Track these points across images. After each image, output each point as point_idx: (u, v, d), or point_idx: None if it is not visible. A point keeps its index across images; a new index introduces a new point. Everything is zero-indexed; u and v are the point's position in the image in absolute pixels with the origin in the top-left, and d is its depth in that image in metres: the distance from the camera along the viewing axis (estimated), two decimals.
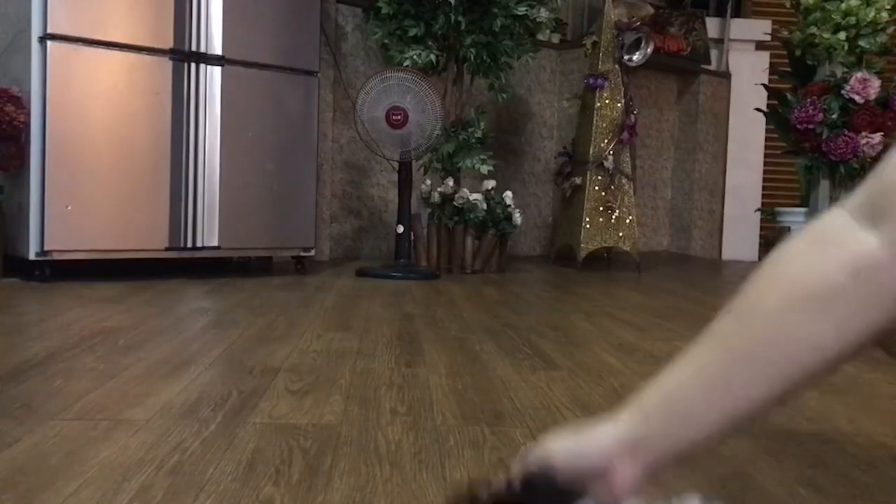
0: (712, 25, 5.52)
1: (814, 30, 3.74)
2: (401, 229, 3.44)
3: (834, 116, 3.70)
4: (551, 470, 0.48)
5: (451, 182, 3.67)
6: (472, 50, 3.63)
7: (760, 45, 5.55)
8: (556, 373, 1.59)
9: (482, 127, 3.78)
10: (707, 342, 0.63)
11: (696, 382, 0.62)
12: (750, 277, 0.64)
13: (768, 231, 4.45)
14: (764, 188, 5.62)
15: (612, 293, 3.13)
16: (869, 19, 3.65)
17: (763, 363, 0.60)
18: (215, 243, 3.02)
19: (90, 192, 2.73)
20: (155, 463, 0.99)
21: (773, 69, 5.02)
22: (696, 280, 3.89)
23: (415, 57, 3.53)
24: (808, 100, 3.73)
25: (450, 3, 3.48)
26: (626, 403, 0.64)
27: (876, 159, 3.74)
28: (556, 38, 4.96)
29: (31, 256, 2.64)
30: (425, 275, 3.39)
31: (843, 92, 3.67)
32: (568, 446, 0.65)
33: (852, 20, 3.67)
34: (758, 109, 4.35)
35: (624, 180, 4.00)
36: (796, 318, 0.59)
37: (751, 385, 0.60)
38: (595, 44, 4.01)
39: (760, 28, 5.48)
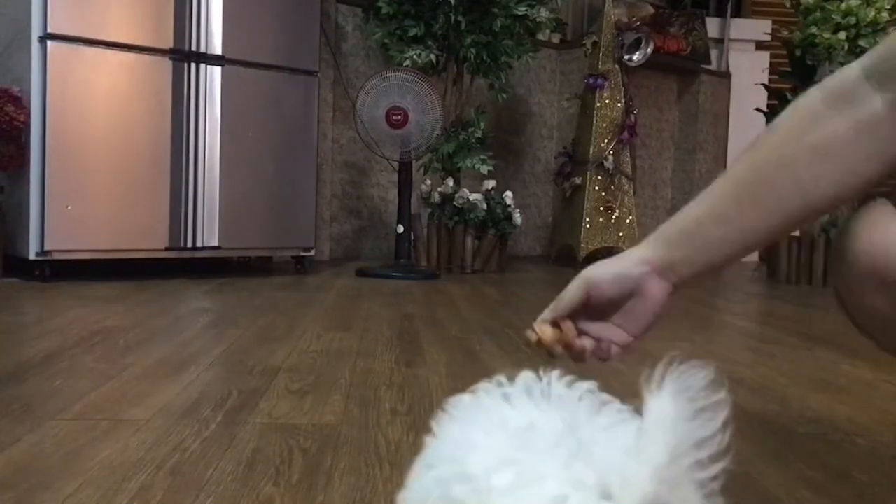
0: (712, 25, 5.52)
1: (814, 30, 3.74)
2: (401, 229, 3.44)
3: None
4: None
5: (451, 182, 3.67)
6: (472, 50, 3.63)
7: (760, 45, 5.55)
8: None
9: (482, 127, 3.78)
10: (721, 182, 0.74)
11: (710, 217, 0.72)
12: (769, 125, 0.72)
13: None
14: None
15: None
16: (869, 19, 3.65)
17: (771, 201, 0.69)
18: (215, 243, 3.02)
19: (90, 191, 2.73)
20: (155, 463, 0.99)
21: (773, 69, 5.02)
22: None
23: (415, 57, 3.53)
24: None
25: (450, 3, 3.48)
26: (652, 234, 0.74)
27: None
28: (556, 38, 4.97)
29: (31, 256, 2.64)
30: (425, 275, 3.39)
31: None
32: (609, 268, 0.75)
33: (852, 20, 3.67)
34: (758, 109, 4.35)
35: (624, 180, 4.00)
36: (803, 162, 0.67)
37: (757, 219, 0.70)
38: (595, 44, 4.01)
39: (760, 28, 5.48)
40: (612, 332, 0.76)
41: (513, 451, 0.44)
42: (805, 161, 0.68)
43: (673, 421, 0.40)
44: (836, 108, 0.67)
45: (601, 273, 0.76)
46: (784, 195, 0.69)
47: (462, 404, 0.52)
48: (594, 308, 0.77)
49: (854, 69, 0.68)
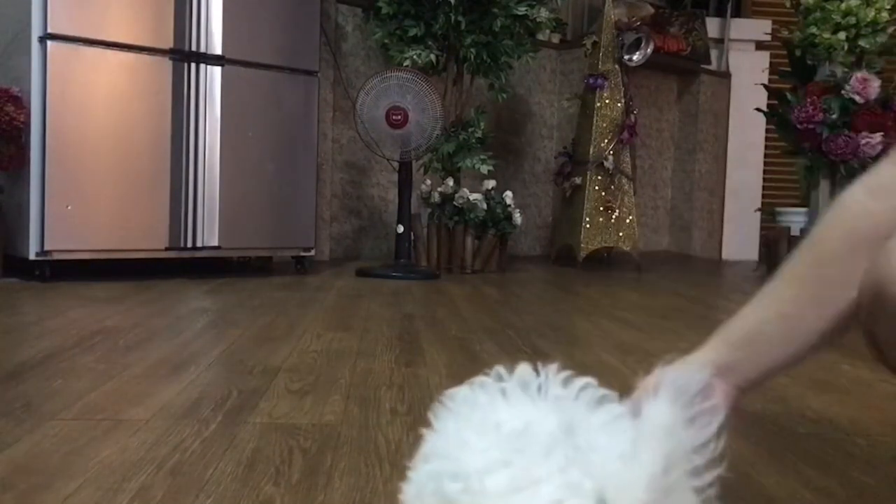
0: (712, 25, 5.52)
1: (814, 30, 3.74)
2: (401, 229, 3.44)
3: (834, 116, 3.70)
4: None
5: (451, 182, 3.67)
6: (472, 50, 3.63)
7: (760, 45, 5.55)
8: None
9: (482, 127, 3.78)
10: (781, 283, 0.74)
11: (775, 318, 0.73)
12: (816, 223, 0.73)
13: (768, 231, 4.45)
14: (764, 188, 5.62)
15: (612, 293, 3.13)
16: (869, 19, 3.65)
17: (831, 300, 0.70)
18: (215, 243, 3.02)
19: (90, 192, 2.73)
20: (155, 463, 0.99)
21: (773, 69, 5.02)
22: (696, 280, 3.89)
23: (415, 57, 3.53)
24: (808, 100, 3.73)
25: (450, 3, 3.48)
26: (713, 337, 0.74)
27: (876, 159, 3.74)
28: (556, 38, 4.96)
29: (31, 256, 2.64)
30: (425, 275, 3.39)
31: (843, 92, 3.67)
32: (676, 373, 0.71)
33: (852, 20, 3.67)
34: (758, 109, 4.35)
35: (624, 180, 4.00)
36: (857, 259, 0.68)
37: (821, 318, 0.71)
38: (595, 44, 4.01)
39: (760, 28, 5.47)
40: None
41: (508, 452, 0.44)
42: (860, 254, 0.69)
43: (668, 428, 0.40)
44: (881, 199, 0.69)
45: (669, 378, 0.76)
46: (843, 290, 0.69)
47: (459, 398, 0.52)
48: None
49: (890, 165, 0.71)
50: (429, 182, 3.71)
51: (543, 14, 3.81)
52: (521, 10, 3.65)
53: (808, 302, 0.71)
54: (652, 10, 4.34)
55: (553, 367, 0.52)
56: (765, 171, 5.61)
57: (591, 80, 3.98)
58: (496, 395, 0.51)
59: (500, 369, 0.53)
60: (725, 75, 5.57)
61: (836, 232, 0.72)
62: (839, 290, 0.70)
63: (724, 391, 0.73)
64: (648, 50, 4.01)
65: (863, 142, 3.65)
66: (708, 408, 0.45)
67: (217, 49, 2.98)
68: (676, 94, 5.56)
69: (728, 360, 0.73)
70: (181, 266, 3.11)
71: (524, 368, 0.53)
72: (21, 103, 2.66)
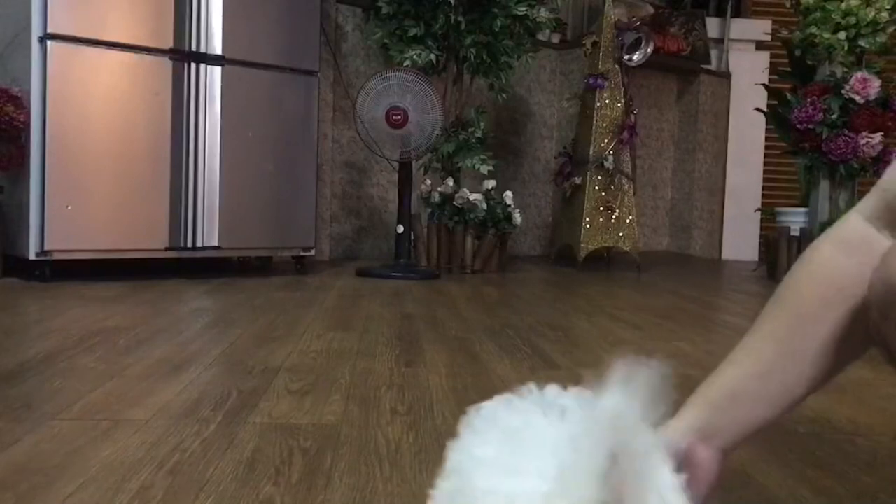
0: (712, 25, 5.52)
1: (814, 30, 3.74)
2: (401, 229, 3.44)
3: (834, 116, 3.70)
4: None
5: (451, 182, 3.67)
6: (472, 50, 3.63)
7: (760, 45, 5.55)
8: (556, 373, 1.59)
9: (482, 127, 3.78)
10: (758, 341, 0.73)
11: (755, 376, 0.71)
12: (785, 279, 0.73)
13: (768, 231, 4.45)
14: (764, 188, 5.62)
15: (612, 293, 3.13)
16: (869, 19, 3.65)
17: (810, 356, 0.70)
18: (215, 243, 3.02)
19: (90, 191, 2.73)
20: (155, 463, 0.99)
21: (773, 69, 5.02)
22: (696, 280, 3.89)
23: (415, 57, 3.53)
24: (808, 100, 3.73)
25: (450, 3, 3.48)
26: (691, 399, 0.72)
27: (876, 159, 3.74)
28: (556, 38, 4.97)
29: (31, 256, 2.64)
30: (425, 275, 3.39)
31: (843, 92, 3.67)
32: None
33: (852, 20, 3.67)
34: (758, 109, 4.35)
35: (624, 180, 4.00)
36: (833, 314, 0.69)
37: (801, 374, 0.71)
38: (595, 44, 4.01)
39: (760, 28, 5.48)
40: None
41: (508, 473, 0.45)
42: (834, 309, 0.69)
43: (617, 417, 0.41)
44: (851, 255, 0.69)
45: None
46: (821, 346, 0.70)
47: (485, 414, 0.52)
48: None
49: (856, 217, 0.71)
50: (429, 182, 3.71)
51: (543, 14, 3.81)
52: (521, 10, 3.65)
53: (787, 359, 0.71)
54: (652, 10, 4.34)
55: (576, 388, 0.52)
56: (765, 171, 5.61)
57: (591, 80, 3.98)
58: (514, 411, 0.51)
59: (530, 386, 0.53)
60: (725, 75, 5.57)
61: (810, 288, 0.72)
62: (817, 345, 0.70)
63: (710, 457, 0.71)
64: (648, 50, 4.01)
65: (863, 142, 3.65)
66: (656, 396, 0.45)
67: (217, 49, 2.98)
68: (676, 94, 5.56)
69: (710, 423, 0.71)
70: (181, 266, 3.11)
71: (551, 388, 0.53)
72: (21, 103, 2.66)
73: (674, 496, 0.43)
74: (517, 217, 3.74)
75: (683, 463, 0.69)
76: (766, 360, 0.71)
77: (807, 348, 0.70)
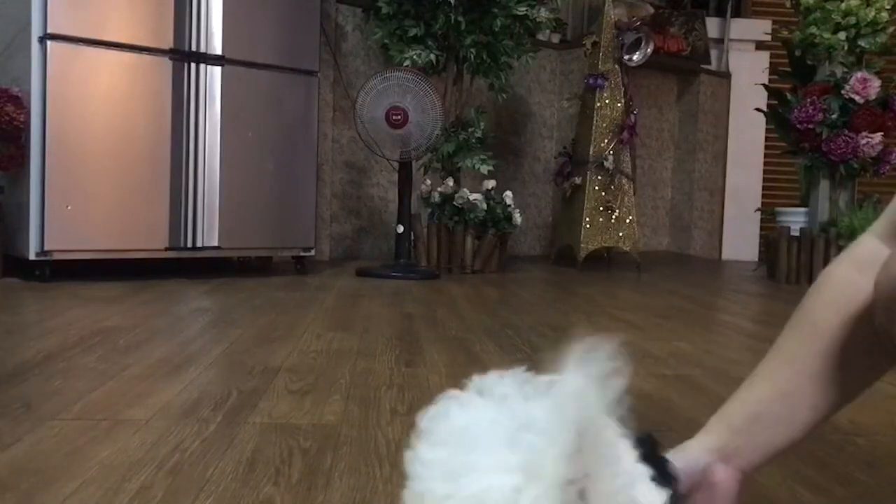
0: (712, 25, 5.52)
1: (814, 30, 3.74)
2: (401, 229, 3.44)
3: (834, 116, 3.70)
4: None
5: (451, 182, 3.67)
6: (472, 50, 3.63)
7: (760, 45, 5.55)
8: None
9: (482, 127, 3.78)
10: (777, 362, 0.73)
11: (776, 399, 0.71)
12: (800, 304, 0.74)
13: (768, 231, 4.45)
14: (764, 188, 5.62)
15: (612, 293, 3.13)
16: (869, 19, 3.65)
17: (830, 376, 0.70)
18: (215, 243, 3.02)
19: (90, 192, 2.73)
20: (155, 463, 0.99)
21: (773, 69, 5.02)
22: (696, 280, 3.89)
23: (415, 57, 3.53)
24: (808, 100, 3.73)
25: (450, 3, 3.48)
26: (712, 420, 0.72)
27: (876, 159, 3.74)
28: (556, 38, 4.96)
29: (31, 256, 2.64)
30: (425, 275, 3.39)
31: (843, 92, 3.67)
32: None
33: (852, 20, 3.67)
34: (758, 109, 4.35)
35: (624, 180, 4.00)
36: (851, 333, 0.69)
37: (821, 395, 0.70)
38: (595, 44, 4.01)
39: (760, 28, 5.48)
40: None
41: (451, 453, 0.45)
42: (853, 329, 0.69)
43: (577, 395, 0.41)
44: (868, 274, 0.68)
45: None
46: (840, 366, 0.69)
47: (431, 417, 0.52)
48: None
49: (870, 238, 0.72)
50: (429, 182, 3.71)
51: (543, 14, 3.81)
52: (521, 10, 3.65)
53: (808, 381, 0.70)
54: (652, 10, 4.33)
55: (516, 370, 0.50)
56: (765, 171, 5.61)
57: (591, 80, 3.98)
58: (460, 407, 0.50)
59: (473, 378, 0.51)
60: (725, 75, 5.57)
61: (829, 308, 0.71)
62: (837, 365, 0.69)
63: (729, 476, 0.70)
64: (648, 50, 4.01)
65: (863, 142, 3.65)
66: (612, 372, 0.45)
67: (217, 49, 2.98)
68: (676, 94, 5.56)
69: (730, 444, 0.71)
70: (181, 266, 3.11)
71: (491, 376, 0.50)
72: (21, 103, 2.66)
73: (639, 475, 0.44)
74: (517, 217, 3.74)
75: (702, 482, 0.69)
76: (787, 382, 0.71)
77: (827, 368, 0.70)
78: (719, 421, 0.72)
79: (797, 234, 3.80)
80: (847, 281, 0.71)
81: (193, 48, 2.92)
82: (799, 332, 0.73)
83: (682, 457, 0.70)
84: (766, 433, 0.71)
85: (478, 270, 3.65)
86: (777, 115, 4.03)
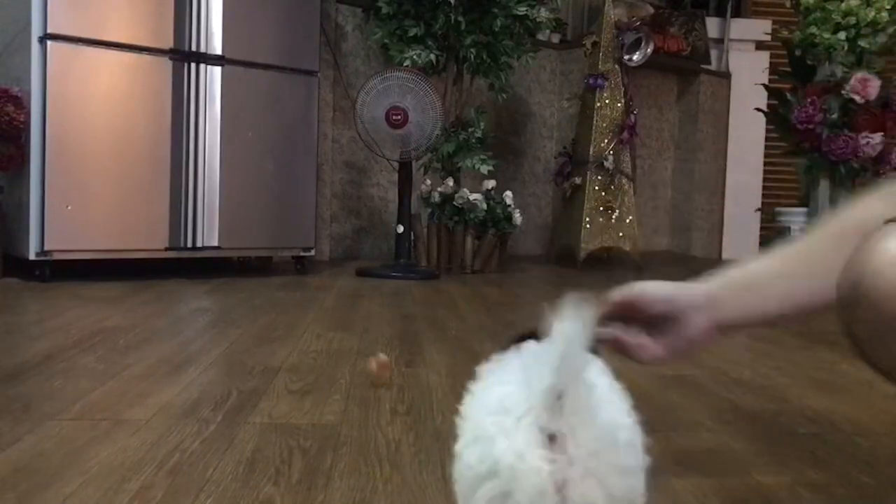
0: (712, 25, 5.52)
1: (814, 30, 3.74)
2: (401, 229, 3.44)
3: (834, 116, 3.70)
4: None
5: (451, 182, 3.67)
6: (472, 50, 3.63)
7: (760, 45, 5.55)
8: None
9: (482, 127, 3.78)
10: (789, 246, 0.81)
11: (775, 274, 0.80)
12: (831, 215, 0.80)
13: (768, 231, 4.45)
14: (764, 188, 5.62)
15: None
16: (869, 19, 3.65)
17: (820, 278, 0.74)
18: (215, 243, 3.02)
19: (90, 192, 2.73)
20: (155, 463, 0.99)
21: (773, 69, 5.02)
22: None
23: (415, 57, 3.53)
24: (808, 100, 3.73)
25: (450, 3, 3.48)
26: (715, 275, 0.80)
27: (876, 159, 3.74)
28: (556, 38, 4.96)
29: (31, 256, 2.64)
30: (425, 275, 3.39)
31: (843, 92, 3.67)
32: (664, 287, 0.81)
33: (852, 20, 3.67)
34: (758, 109, 4.35)
35: (624, 180, 4.00)
36: (849, 247, 0.70)
37: (818, 288, 0.75)
38: (595, 44, 4.01)
39: (760, 28, 5.48)
40: (645, 341, 0.80)
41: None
42: (853, 241, 0.72)
43: (570, 336, 0.54)
44: (889, 203, 0.74)
45: (655, 287, 0.81)
46: (834, 273, 0.72)
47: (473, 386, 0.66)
48: (637, 317, 0.81)
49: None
50: (429, 182, 3.71)
51: (543, 14, 3.81)
52: (521, 10, 3.65)
53: (809, 268, 0.77)
54: (652, 10, 4.33)
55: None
56: (765, 171, 5.61)
57: (591, 80, 3.98)
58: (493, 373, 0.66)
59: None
60: (725, 75, 5.57)
61: (840, 221, 0.77)
62: (830, 271, 0.71)
63: (703, 319, 0.78)
64: (648, 50, 4.01)
65: (863, 142, 3.65)
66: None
67: (217, 49, 2.98)
68: (676, 94, 5.56)
69: (716, 294, 0.79)
70: (181, 266, 3.11)
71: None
72: (21, 103, 2.66)
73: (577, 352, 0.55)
74: (517, 217, 3.74)
75: (680, 314, 0.78)
76: (790, 262, 0.78)
77: (821, 271, 0.73)
78: (719, 275, 0.81)
79: (797, 234, 3.80)
80: (866, 204, 0.76)
81: (193, 48, 2.92)
82: (811, 236, 0.79)
83: (674, 286, 0.80)
84: (750, 299, 0.79)
85: (478, 270, 3.65)
86: (777, 115, 4.03)
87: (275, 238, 3.23)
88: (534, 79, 4.86)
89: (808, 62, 3.88)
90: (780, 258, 0.80)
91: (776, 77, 4.51)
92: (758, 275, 0.80)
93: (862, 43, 3.71)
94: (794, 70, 3.98)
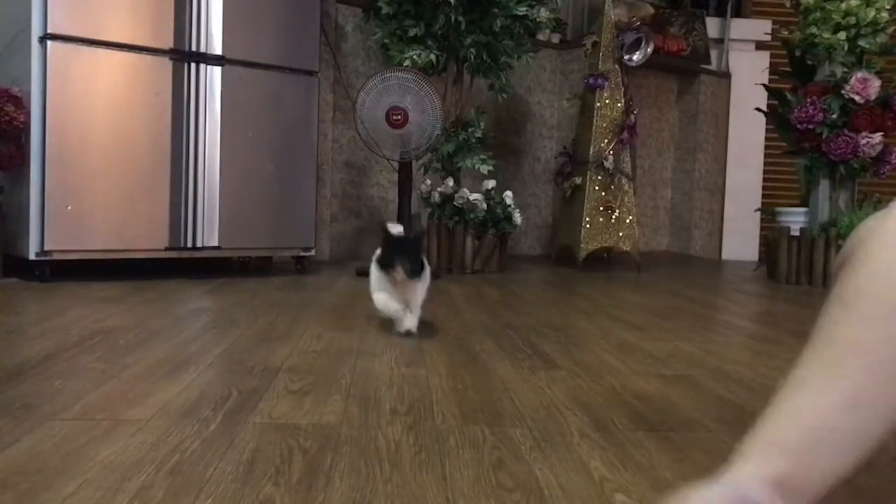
0: (712, 25, 5.52)
1: (814, 30, 3.74)
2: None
3: (834, 116, 3.70)
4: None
5: (451, 182, 3.67)
6: (472, 50, 3.63)
7: (760, 45, 5.55)
8: (556, 373, 1.59)
9: (482, 127, 3.78)
10: (836, 352, 0.56)
11: (844, 406, 0.54)
12: (845, 276, 0.56)
13: (768, 231, 4.45)
14: (764, 188, 5.61)
15: (612, 293, 3.13)
16: (869, 19, 3.65)
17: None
18: (215, 243, 3.02)
19: (90, 192, 2.73)
20: (155, 463, 0.99)
21: (773, 69, 5.02)
22: (696, 280, 3.89)
23: (415, 57, 3.53)
24: (808, 100, 3.73)
25: (450, 3, 3.48)
26: (751, 443, 0.57)
27: (876, 159, 3.74)
28: (556, 38, 4.96)
29: (31, 256, 2.64)
30: None
31: (843, 92, 3.67)
32: (713, 497, 0.57)
33: (852, 20, 3.67)
34: (758, 109, 4.35)
35: (624, 180, 4.00)
36: None
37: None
38: (595, 44, 4.01)
39: (760, 28, 5.48)
40: None
41: None
42: None
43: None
44: None
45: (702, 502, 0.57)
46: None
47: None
48: None
49: None
50: (429, 182, 3.71)
51: (543, 14, 3.81)
52: (521, 10, 3.65)
53: (881, 376, 0.54)
54: (652, 10, 4.33)
55: None
56: (765, 171, 5.61)
57: (591, 80, 3.98)
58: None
59: None
60: (725, 75, 5.57)
61: (888, 280, 0.55)
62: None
63: None
64: (648, 50, 4.01)
65: (863, 142, 3.65)
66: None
67: (217, 49, 2.98)
68: (676, 94, 5.56)
69: (791, 474, 0.55)
70: (181, 266, 3.10)
71: None
72: (21, 103, 2.66)
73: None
74: (517, 217, 3.74)
75: None
76: (854, 380, 0.54)
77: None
78: (768, 442, 0.56)
79: (797, 234, 3.80)
80: None
81: (193, 48, 2.92)
82: (852, 313, 0.55)
83: (730, 492, 0.56)
84: (835, 456, 0.54)
85: (478, 270, 3.65)
86: (777, 115, 4.03)
87: (275, 238, 3.23)
88: (534, 79, 4.86)
89: (808, 62, 3.88)
90: (833, 372, 0.55)
91: (776, 77, 4.51)
92: (821, 417, 0.55)
93: (862, 43, 3.70)
94: (794, 70, 3.98)
